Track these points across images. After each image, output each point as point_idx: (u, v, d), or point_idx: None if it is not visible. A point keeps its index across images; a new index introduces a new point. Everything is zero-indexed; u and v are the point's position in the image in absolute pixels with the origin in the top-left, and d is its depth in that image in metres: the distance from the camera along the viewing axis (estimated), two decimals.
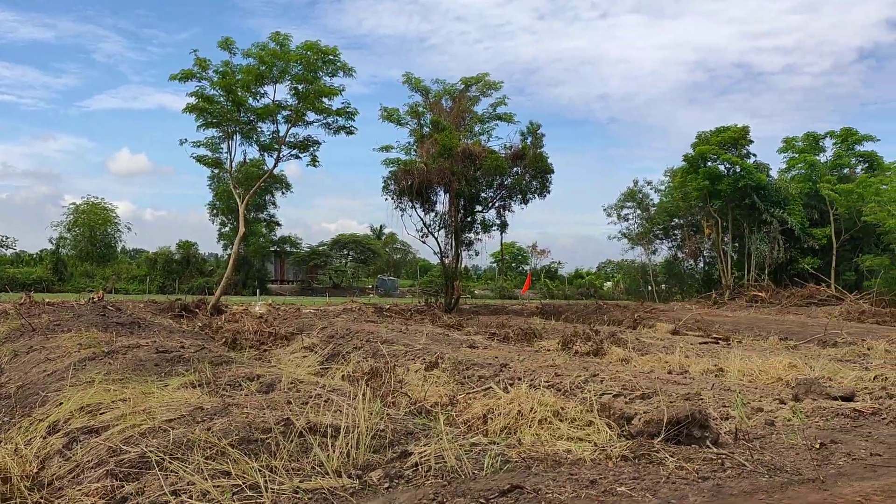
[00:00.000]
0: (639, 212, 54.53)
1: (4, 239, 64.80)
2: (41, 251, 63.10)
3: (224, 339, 15.61)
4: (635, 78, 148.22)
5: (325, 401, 6.18)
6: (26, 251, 65.10)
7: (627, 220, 54.92)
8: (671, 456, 4.63)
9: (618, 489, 3.76)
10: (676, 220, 52.60)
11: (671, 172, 51.65)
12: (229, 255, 37.36)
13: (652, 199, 54.18)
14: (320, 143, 29.79)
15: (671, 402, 6.95)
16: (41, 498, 4.60)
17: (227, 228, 54.90)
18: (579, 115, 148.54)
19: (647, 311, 29.77)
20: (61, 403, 6.91)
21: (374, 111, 49.78)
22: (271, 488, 4.00)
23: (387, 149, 34.23)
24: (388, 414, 5.91)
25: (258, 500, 3.82)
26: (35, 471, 5.19)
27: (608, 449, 4.94)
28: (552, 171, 34.25)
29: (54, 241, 60.22)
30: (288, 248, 61.70)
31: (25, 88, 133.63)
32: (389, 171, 33.21)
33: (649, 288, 54.42)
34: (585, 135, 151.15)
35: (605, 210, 55.66)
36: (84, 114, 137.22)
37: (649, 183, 54.35)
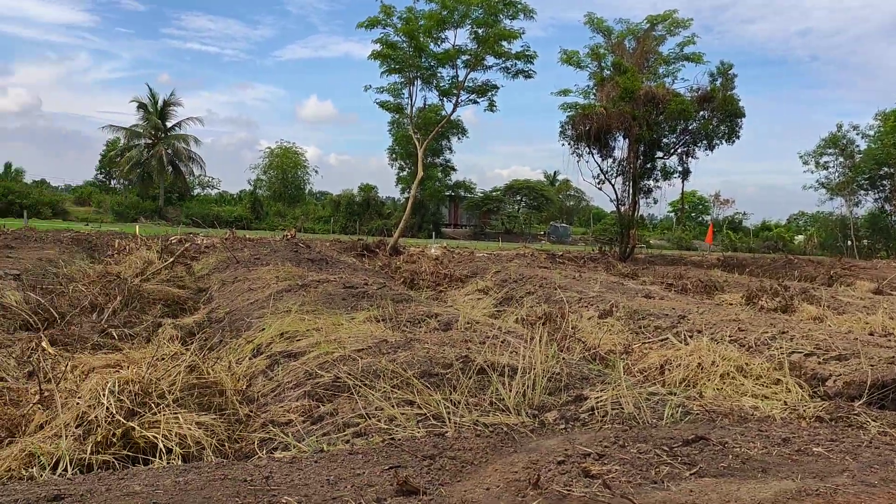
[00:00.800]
0: (841, 159, 49.62)
1: (210, 180, 71.77)
2: (240, 191, 69.29)
3: (403, 279, 16.31)
4: (844, 10, 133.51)
5: (502, 342, 6.31)
6: (228, 191, 71.85)
7: (827, 168, 50.22)
8: (873, 420, 4.28)
9: (813, 449, 3.54)
10: (886, 170, 47.30)
11: (883, 116, 46.36)
12: (406, 198, 38.72)
13: (857, 146, 49.06)
14: (498, 88, 29.83)
15: (872, 366, 6.39)
16: (250, 411, 5.11)
17: (405, 173, 56.86)
18: (774, 53, 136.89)
19: (845, 268, 27.31)
20: (263, 329, 7.57)
21: (551, 55, 48.81)
22: (453, 420, 4.17)
23: (565, 93, 33.50)
24: (563, 358, 5.92)
25: (442, 430, 4.00)
26: (244, 387, 5.78)
27: (800, 408, 4.65)
28: (743, 115, 31.95)
29: (252, 183, 65.77)
30: (462, 193, 62.90)
31: (228, 40, 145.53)
32: (567, 116, 32.56)
33: (848, 243, 49.76)
34: (780, 75, 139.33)
35: (801, 157, 51.19)
36: (278, 63, 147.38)
37: (856, 128, 49.15)
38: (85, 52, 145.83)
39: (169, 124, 59.99)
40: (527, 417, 4.43)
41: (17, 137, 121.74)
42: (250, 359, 6.59)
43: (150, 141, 58.82)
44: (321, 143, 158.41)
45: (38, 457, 3.52)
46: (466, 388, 4.84)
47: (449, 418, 4.19)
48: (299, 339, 6.89)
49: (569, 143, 32.35)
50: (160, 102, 59.16)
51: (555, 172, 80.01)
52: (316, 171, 72.42)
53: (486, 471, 3.13)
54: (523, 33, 27.77)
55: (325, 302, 9.13)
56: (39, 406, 4.56)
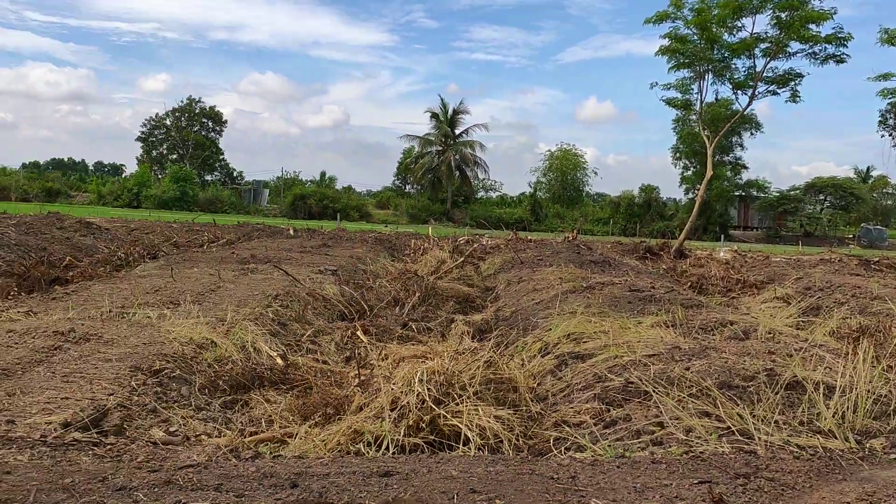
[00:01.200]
0: None
1: (493, 183, 75.25)
2: (520, 194, 71.63)
3: (689, 283, 15.57)
4: None
5: (812, 356, 5.72)
6: (508, 194, 74.80)
7: None
8: None
9: None
10: None
11: None
12: (690, 199, 36.94)
13: None
14: (803, 76, 27.09)
15: None
16: (541, 409, 5.21)
17: (689, 172, 54.38)
18: None
19: None
20: (549, 329, 7.69)
21: (865, 36, 43.22)
22: (761, 437, 3.85)
23: (885, 77, 29.25)
24: (890, 379, 5.20)
25: (750, 447, 3.70)
26: (535, 385, 5.91)
27: None
28: None
29: (532, 185, 67.67)
30: (754, 193, 58.56)
31: (510, 48, 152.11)
32: (888, 103, 28.59)
33: None
34: None
35: None
36: (558, 66, 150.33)
37: None
38: (386, 69, 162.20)
39: (457, 131, 64.07)
40: (848, 442, 3.95)
41: (330, 148, 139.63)
42: (538, 358, 6.72)
43: (440, 148, 63.35)
44: (599, 143, 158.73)
45: (364, 435, 3.94)
46: (773, 404, 4.45)
47: (757, 435, 3.87)
48: (586, 341, 6.88)
49: (889, 134, 28.41)
50: (450, 111, 63.47)
51: (867, 168, 71.00)
52: (595, 173, 72.26)
53: (811, 497, 2.83)
54: (835, 13, 24.91)
55: (609, 304, 9.02)
56: (358, 388, 5.09)
